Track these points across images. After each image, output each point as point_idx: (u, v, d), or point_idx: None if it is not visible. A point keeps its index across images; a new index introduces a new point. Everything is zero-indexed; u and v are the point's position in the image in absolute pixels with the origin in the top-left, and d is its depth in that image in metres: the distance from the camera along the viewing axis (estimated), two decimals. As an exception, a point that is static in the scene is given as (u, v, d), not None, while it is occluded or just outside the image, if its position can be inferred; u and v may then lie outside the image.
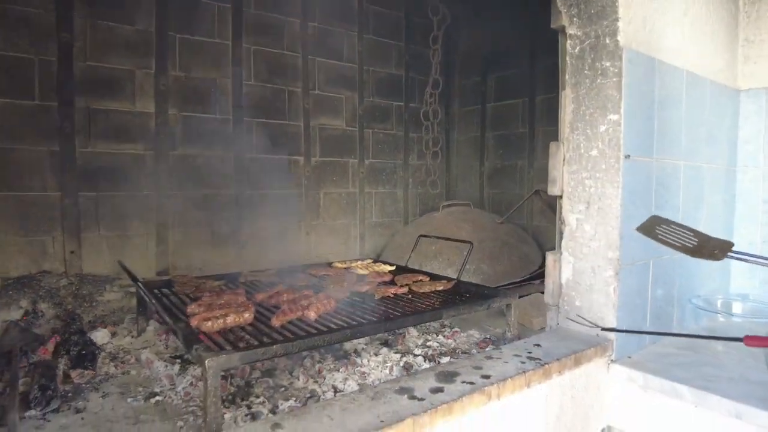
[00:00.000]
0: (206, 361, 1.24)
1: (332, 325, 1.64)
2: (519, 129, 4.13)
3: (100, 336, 1.98)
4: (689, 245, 1.79)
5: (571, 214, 2.23)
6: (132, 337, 2.13)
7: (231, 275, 2.43)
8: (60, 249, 2.69)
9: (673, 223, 1.93)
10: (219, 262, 3.29)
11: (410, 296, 2.08)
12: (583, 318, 2.08)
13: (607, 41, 1.98)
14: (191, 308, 1.67)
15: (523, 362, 1.76)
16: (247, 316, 1.62)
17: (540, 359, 1.78)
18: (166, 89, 3.04)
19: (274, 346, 1.38)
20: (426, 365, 1.86)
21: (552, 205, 3.75)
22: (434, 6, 3.35)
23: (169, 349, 1.96)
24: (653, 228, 1.91)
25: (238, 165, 3.35)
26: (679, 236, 1.86)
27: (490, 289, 2.19)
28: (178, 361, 1.78)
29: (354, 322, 1.68)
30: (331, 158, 3.86)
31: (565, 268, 2.26)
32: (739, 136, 2.68)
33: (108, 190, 2.86)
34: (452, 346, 2.15)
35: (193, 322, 1.54)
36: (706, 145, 2.47)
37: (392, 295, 2.05)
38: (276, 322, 1.62)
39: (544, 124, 3.90)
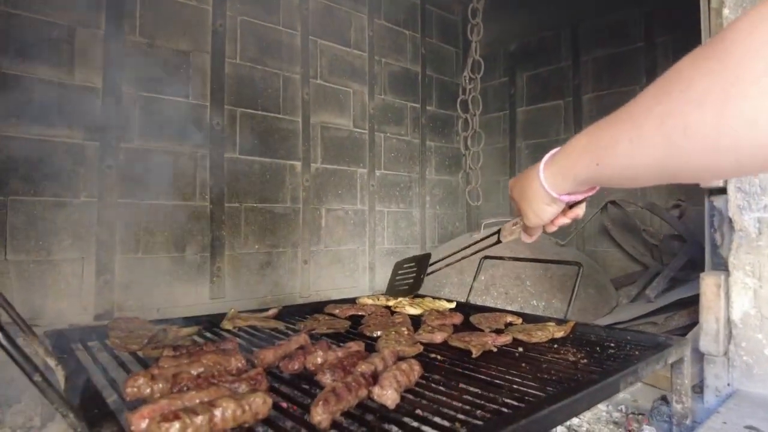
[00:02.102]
0: None
1: (437, 418, 0.77)
2: (561, 135, 3.41)
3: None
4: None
5: (746, 213, 1.46)
6: None
7: (208, 318, 1.52)
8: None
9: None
10: (187, 300, 2.36)
11: (522, 350, 1.23)
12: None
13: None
14: (133, 385, 0.78)
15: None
16: (259, 403, 0.74)
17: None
18: (120, 58, 2.19)
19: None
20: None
21: (628, 223, 3.00)
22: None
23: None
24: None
25: (216, 168, 2.48)
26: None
27: (635, 333, 1.36)
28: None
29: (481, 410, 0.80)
30: (336, 165, 3.03)
31: (739, 296, 1.47)
32: None
33: (25, 192, 1.94)
34: (584, 429, 1.29)
35: (137, 424, 0.65)
36: None
37: (495, 349, 1.20)
38: (321, 416, 0.74)
39: (594, 127, 3.19)
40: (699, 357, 1.54)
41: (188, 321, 1.42)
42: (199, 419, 0.67)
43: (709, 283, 1.52)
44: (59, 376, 0.97)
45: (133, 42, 2.25)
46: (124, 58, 2.21)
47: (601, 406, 1.49)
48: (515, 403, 0.84)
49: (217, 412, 0.69)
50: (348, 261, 3.09)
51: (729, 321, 1.49)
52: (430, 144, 3.61)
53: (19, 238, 1.93)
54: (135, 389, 0.78)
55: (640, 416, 1.37)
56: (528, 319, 1.55)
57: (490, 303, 2.30)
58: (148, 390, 0.78)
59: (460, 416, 0.77)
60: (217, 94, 2.50)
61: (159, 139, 2.30)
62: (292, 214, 2.79)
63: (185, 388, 0.79)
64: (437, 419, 0.77)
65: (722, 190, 1.54)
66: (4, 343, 0.60)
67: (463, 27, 3.55)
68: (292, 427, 0.75)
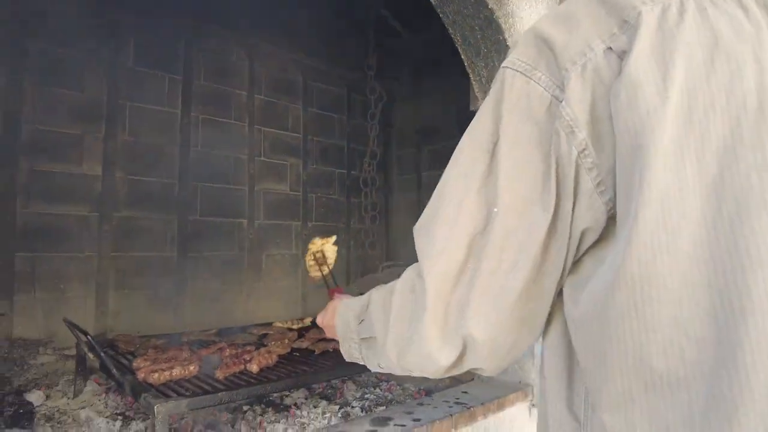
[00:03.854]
0: (155, 407, 1.32)
1: (273, 375, 1.75)
2: (451, 196, 4.49)
3: (34, 398, 1.95)
4: None
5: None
6: (68, 398, 2.11)
7: (174, 335, 2.47)
8: (-11, 311, 2.63)
9: None
10: (157, 324, 3.27)
11: (349, 349, 2.22)
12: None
13: (515, 124, 2.35)
14: (137, 362, 1.73)
15: (450, 407, 1.92)
16: (192, 368, 1.71)
17: (466, 404, 1.96)
18: (113, 151, 3.14)
19: (219, 394, 1.48)
20: (363, 415, 1.98)
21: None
22: (372, 87, 3.74)
23: (109, 407, 1.96)
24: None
25: (182, 227, 3.43)
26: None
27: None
28: (120, 417, 1.80)
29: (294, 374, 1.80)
30: (275, 221, 4.01)
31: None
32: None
33: (47, 250, 2.85)
34: (389, 398, 2.28)
35: (140, 375, 1.61)
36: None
37: (332, 350, 2.18)
38: (220, 374, 1.71)
39: (473, 191, 4.27)
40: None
41: (161, 336, 2.36)
42: (165, 373, 1.63)
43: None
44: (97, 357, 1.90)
45: (123, 140, 3.21)
46: (117, 152, 3.16)
47: (412, 387, 2.47)
48: (315, 369, 1.82)
49: (173, 371, 1.65)
50: (283, 294, 4.04)
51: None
52: (354, 201, 4.62)
53: (43, 281, 2.83)
54: (138, 363, 1.73)
55: (422, 389, 2.36)
56: (372, 334, 2.54)
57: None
58: (143, 364, 1.74)
59: (282, 375, 1.75)
60: (184, 174, 3.47)
61: (141, 210, 3.24)
62: (239, 260, 3.75)
63: (160, 362, 1.74)
64: (272, 376, 1.75)
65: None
66: (84, 334, 1.56)
67: (381, 108, 4.61)
68: (206, 379, 1.71)
